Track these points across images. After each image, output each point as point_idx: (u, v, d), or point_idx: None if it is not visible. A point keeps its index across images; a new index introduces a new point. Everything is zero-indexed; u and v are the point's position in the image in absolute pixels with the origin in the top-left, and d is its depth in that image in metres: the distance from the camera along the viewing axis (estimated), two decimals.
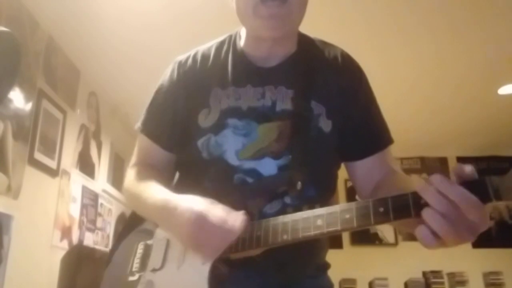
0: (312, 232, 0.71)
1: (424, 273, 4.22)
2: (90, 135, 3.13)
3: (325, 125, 0.91)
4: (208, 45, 1.04)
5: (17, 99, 2.17)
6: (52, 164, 2.51)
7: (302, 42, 1.00)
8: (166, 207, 0.82)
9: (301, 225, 0.72)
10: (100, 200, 3.24)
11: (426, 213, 0.60)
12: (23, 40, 2.22)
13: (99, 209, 3.21)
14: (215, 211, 0.77)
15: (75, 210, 2.80)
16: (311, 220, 0.72)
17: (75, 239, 2.76)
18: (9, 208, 2.05)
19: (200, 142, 0.92)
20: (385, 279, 4.16)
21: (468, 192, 0.58)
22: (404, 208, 0.64)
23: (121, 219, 3.70)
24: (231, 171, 0.89)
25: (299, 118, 0.90)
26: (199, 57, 1.01)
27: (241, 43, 1.00)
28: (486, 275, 4.26)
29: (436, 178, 0.60)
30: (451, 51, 2.83)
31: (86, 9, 2.36)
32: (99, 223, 3.19)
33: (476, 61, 2.95)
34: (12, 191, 2.09)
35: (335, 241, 4.29)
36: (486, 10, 2.42)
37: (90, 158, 3.13)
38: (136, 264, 0.92)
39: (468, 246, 4.45)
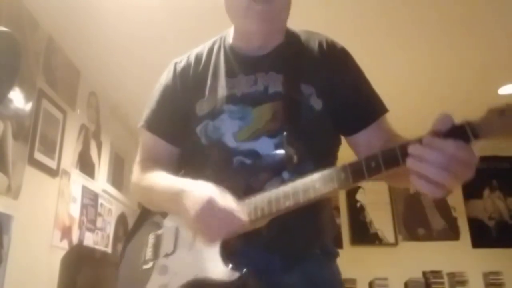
0: (312, 194, 0.77)
1: (424, 273, 4.21)
2: (90, 135, 3.13)
3: (316, 103, 0.97)
4: (201, 46, 1.13)
5: (17, 99, 2.17)
6: (52, 164, 2.51)
7: (288, 34, 1.08)
8: (178, 191, 0.88)
9: (301, 189, 0.78)
10: (100, 200, 3.24)
11: (408, 161, 0.68)
12: (23, 40, 2.22)
13: (99, 209, 3.21)
14: (226, 198, 0.82)
15: (75, 210, 2.80)
16: (309, 184, 0.78)
17: (75, 239, 2.76)
18: (9, 208, 2.05)
19: (198, 129, 0.98)
20: (385, 279, 4.15)
21: (451, 140, 0.66)
22: (393, 159, 0.70)
23: (121, 219, 3.69)
24: (229, 154, 0.93)
25: (291, 98, 0.96)
26: (193, 56, 1.09)
27: (231, 39, 1.08)
28: (486, 275, 4.26)
29: (424, 139, 0.68)
30: (451, 51, 2.84)
31: (86, 10, 2.36)
32: (99, 223, 3.19)
33: (476, 60, 2.95)
34: (12, 191, 2.09)
35: (335, 241, 4.28)
36: (486, 10, 2.42)
37: (90, 158, 3.13)
38: (149, 253, 0.98)
39: (468, 246, 4.45)
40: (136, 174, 1.07)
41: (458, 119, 0.69)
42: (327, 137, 1.00)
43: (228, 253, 0.83)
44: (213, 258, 0.84)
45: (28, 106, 2.27)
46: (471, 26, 2.56)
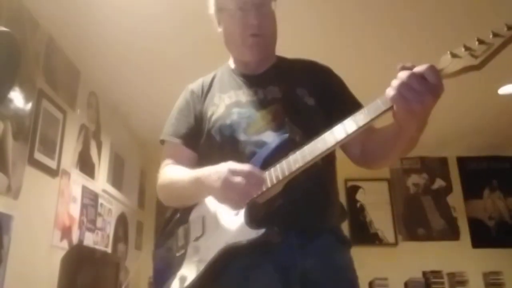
0: (316, 152, 0.92)
1: (424, 273, 4.21)
2: (90, 135, 3.13)
3: (309, 101, 1.17)
4: (209, 74, 1.34)
5: (17, 99, 2.17)
6: (52, 164, 2.51)
7: (279, 57, 1.32)
8: (199, 175, 1.03)
9: (307, 151, 0.94)
10: (100, 200, 3.24)
11: (392, 82, 0.87)
12: (23, 40, 2.22)
13: (99, 209, 3.21)
14: (241, 165, 0.97)
15: (75, 210, 2.80)
16: (313, 146, 0.94)
17: (75, 239, 2.76)
18: (9, 208, 2.05)
19: (213, 130, 1.16)
20: (385, 279, 4.15)
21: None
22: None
23: (121, 219, 3.70)
24: (242, 145, 1.10)
25: (288, 99, 1.16)
26: (201, 81, 1.31)
27: (232, 66, 1.31)
28: (486, 275, 4.26)
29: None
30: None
31: (86, 9, 2.36)
32: (99, 223, 3.19)
33: None
34: (12, 191, 2.09)
35: None
36: (485, 10, 2.42)
37: (90, 158, 3.13)
38: (180, 242, 1.12)
39: (468, 246, 4.45)
40: (161, 177, 1.22)
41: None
42: (322, 125, 1.07)
43: (254, 216, 0.97)
44: (239, 227, 0.97)
45: (28, 106, 2.27)
46: (470, 27, 2.56)
